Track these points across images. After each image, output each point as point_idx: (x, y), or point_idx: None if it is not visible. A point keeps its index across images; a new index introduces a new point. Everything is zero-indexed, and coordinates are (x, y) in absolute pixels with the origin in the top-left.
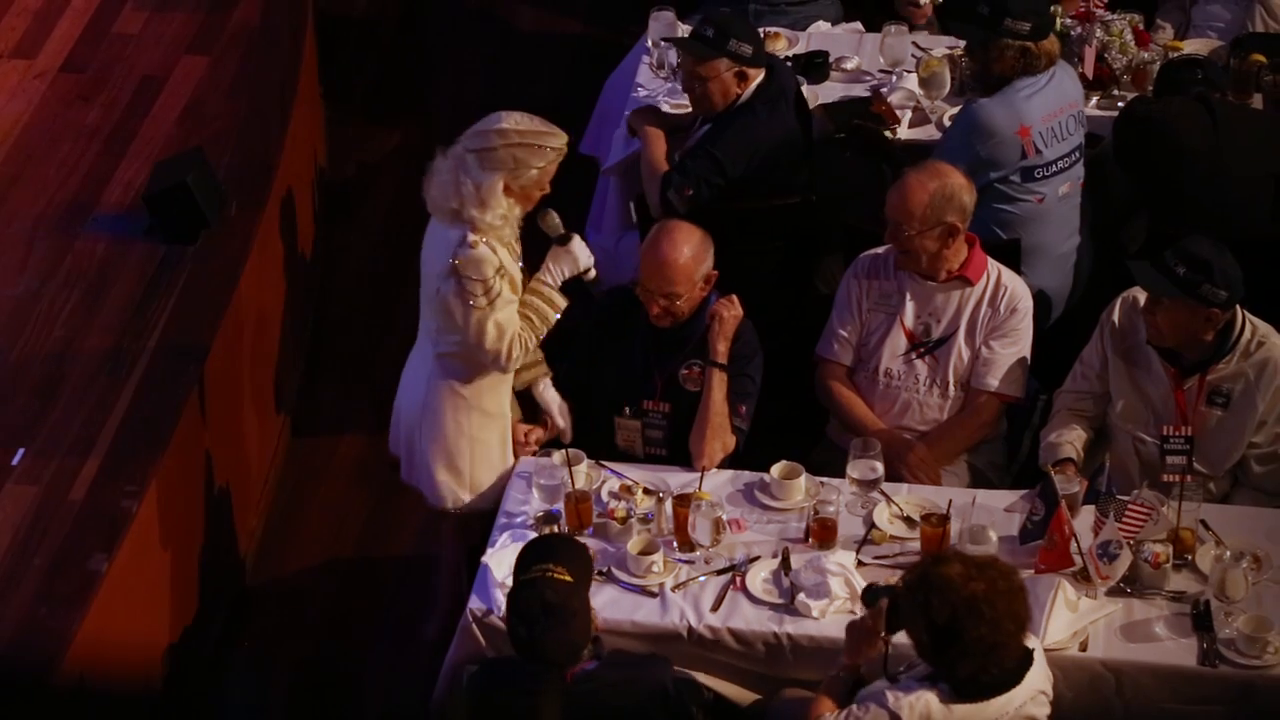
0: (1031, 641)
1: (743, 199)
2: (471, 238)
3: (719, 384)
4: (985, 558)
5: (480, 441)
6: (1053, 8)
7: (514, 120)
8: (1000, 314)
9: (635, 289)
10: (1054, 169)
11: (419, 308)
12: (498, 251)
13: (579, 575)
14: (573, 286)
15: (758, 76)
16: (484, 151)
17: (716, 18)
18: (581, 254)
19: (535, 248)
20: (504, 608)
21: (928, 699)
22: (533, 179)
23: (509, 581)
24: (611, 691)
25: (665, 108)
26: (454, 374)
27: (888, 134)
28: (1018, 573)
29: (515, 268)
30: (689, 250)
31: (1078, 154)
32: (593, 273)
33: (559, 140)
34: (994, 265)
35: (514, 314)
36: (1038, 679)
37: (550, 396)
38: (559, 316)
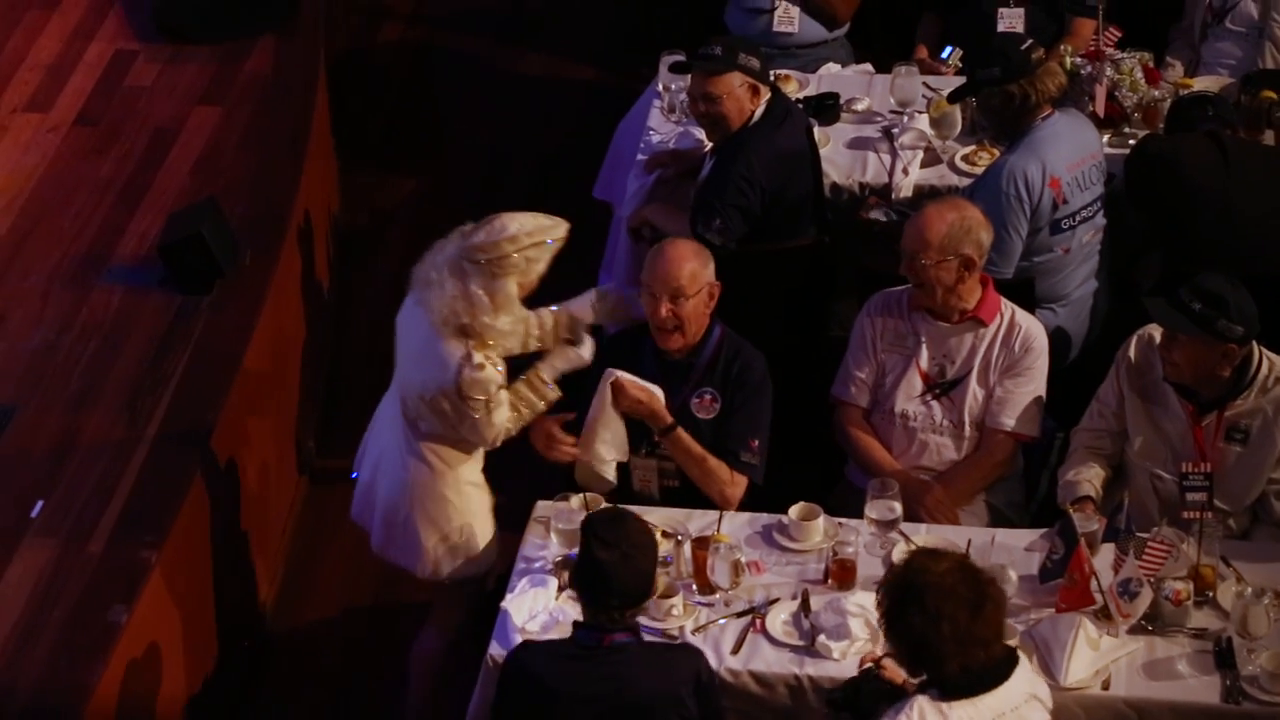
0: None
1: (761, 236)
2: (478, 358)
3: (676, 446)
4: (986, 574)
5: (470, 513)
6: (1062, 47)
7: (519, 223)
8: (1015, 353)
9: (641, 297)
10: (1079, 218)
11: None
12: (498, 365)
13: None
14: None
15: (767, 93)
16: (496, 260)
17: (720, 40)
18: (587, 355)
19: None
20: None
21: (919, 705)
22: (539, 272)
23: (529, 627)
24: (643, 664)
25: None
26: (439, 453)
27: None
28: (994, 602)
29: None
30: (689, 251)
31: (1099, 203)
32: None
33: (563, 230)
34: (1007, 305)
35: (506, 409)
36: (1024, 683)
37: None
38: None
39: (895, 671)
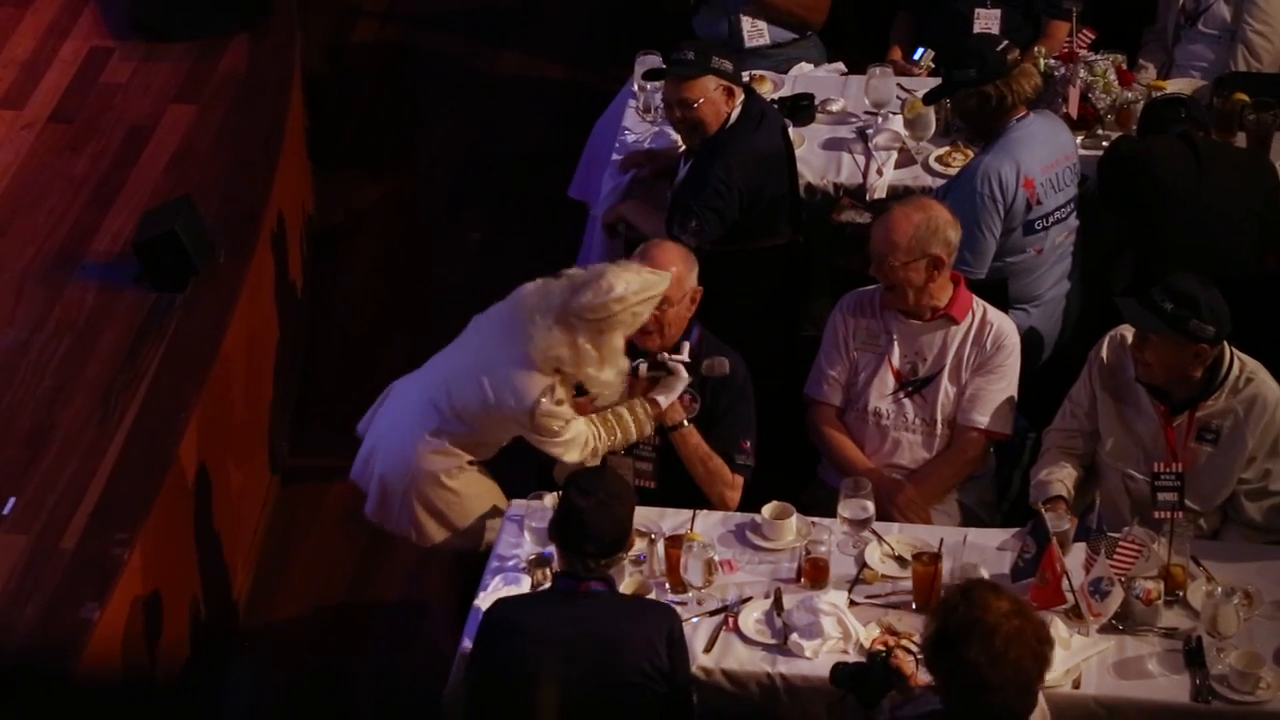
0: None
1: (736, 237)
2: (559, 393)
3: (685, 444)
4: (1038, 618)
5: (468, 495)
6: (1036, 49)
7: (625, 282)
8: (986, 350)
9: None
10: (1052, 219)
11: (423, 360)
12: (568, 404)
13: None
14: None
15: (741, 95)
16: (605, 319)
17: (691, 44)
18: (684, 374)
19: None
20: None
21: None
22: (644, 321)
23: None
24: (618, 610)
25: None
26: (451, 450)
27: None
28: (1052, 646)
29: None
30: (676, 256)
31: (1072, 205)
32: None
33: (666, 283)
34: (979, 303)
35: (582, 431)
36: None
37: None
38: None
39: (905, 662)
